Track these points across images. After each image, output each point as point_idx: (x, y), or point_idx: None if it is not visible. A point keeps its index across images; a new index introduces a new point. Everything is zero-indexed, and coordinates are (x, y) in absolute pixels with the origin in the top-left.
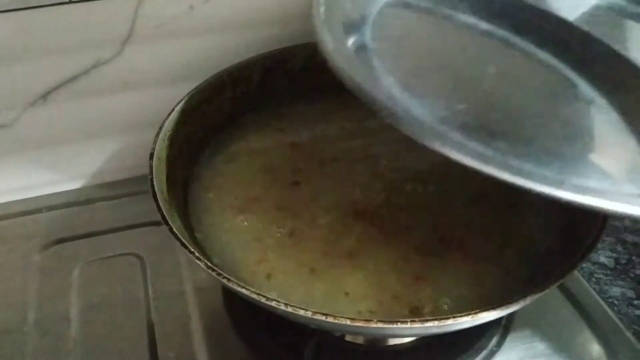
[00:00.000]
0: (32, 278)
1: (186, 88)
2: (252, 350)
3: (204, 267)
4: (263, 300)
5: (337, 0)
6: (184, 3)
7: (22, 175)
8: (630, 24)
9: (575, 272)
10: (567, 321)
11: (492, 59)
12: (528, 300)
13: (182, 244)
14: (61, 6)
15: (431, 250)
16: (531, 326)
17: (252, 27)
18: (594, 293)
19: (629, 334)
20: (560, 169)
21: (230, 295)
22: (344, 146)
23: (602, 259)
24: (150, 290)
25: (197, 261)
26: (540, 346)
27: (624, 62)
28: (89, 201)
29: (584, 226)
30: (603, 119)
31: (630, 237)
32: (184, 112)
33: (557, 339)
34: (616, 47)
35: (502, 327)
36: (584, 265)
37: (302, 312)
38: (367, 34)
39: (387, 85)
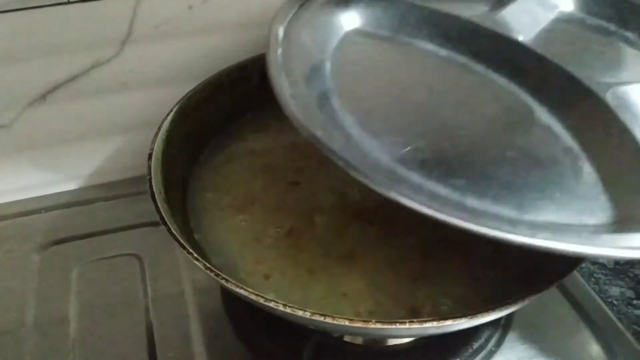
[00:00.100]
0: (31, 278)
1: (185, 88)
2: (251, 351)
3: (203, 268)
4: (261, 300)
5: (296, 38)
6: (182, 3)
7: (21, 176)
8: (589, 36)
9: (575, 273)
10: (566, 321)
11: (452, 86)
12: (527, 301)
13: (181, 244)
14: (60, 6)
15: (430, 251)
16: (530, 326)
17: (251, 27)
18: (593, 293)
19: (628, 334)
20: (517, 204)
21: (229, 296)
22: None
23: (601, 259)
24: (149, 291)
25: (195, 262)
26: (539, 346)
27: (577, 84)
28: (87, 201)
29: None
30: (559, 146)
31: None
32: (183, 112)
33: (556, 339)
34: (573, 65)
35: (501, 327)
36: (583, 265)
37: (300, 313)
38: (327, 71)
39: (346, 125)
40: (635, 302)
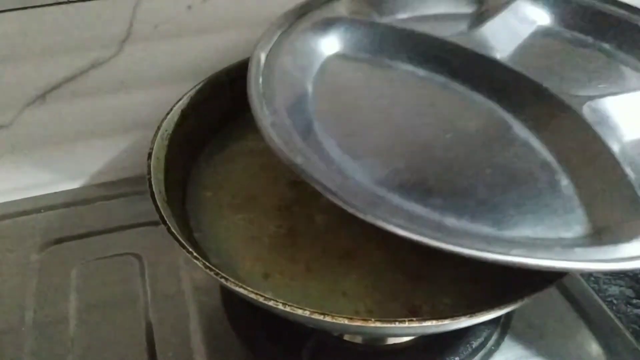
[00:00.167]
0: (31, 278)
1: (185, 88)
2: (251, 350)
3: (202, 267)
4: (261, 299)
5: (278, 64)
6: (182, 3)
7: (20, 175)
8: (567, 49)
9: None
10: (566, 320)
11: (431, 106)
12: (526, 300)
13: (180, 243)
14: (59, 6)
15: (429, 249)
16: (529, 325)
17: (251, 26)
18: (592, 292)
19: (627, 333)
20: (495, 221)
21: (228, 295)
22: None
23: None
24: (148, 290)
25: (195, 261)
26: (538, 345)
27: (553, 99)
28: (87, 201)
29: None
30: (537, 161)
31: None
32: (182, 112)
33: (555, 337)
34: (550, 79)
35: (501, 326)
36: None
37: (299, 312)
38: (309, 96)
39: (327, 149)
40: (634, 301)
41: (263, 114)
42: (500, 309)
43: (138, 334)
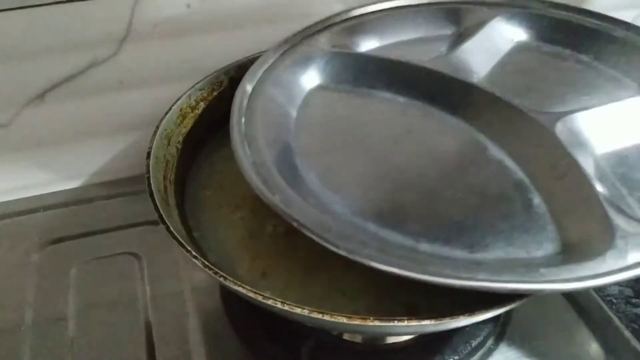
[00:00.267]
0: (30, 277)
1: (183, 87)
2: (250, 349)
3: (201, 266)
4: (260, 298)
5: (261, 100)
6: (181, 2)
7: (19, 175)
8: (545, 64)
9: None
10: (565, 319)
11: (408, 133)
12: (525, 299)
13: (179, 243)
14: (58, 5)
15: None
16: (529, 324)
17: (249, 26)
18: (591, 291)
19: (627, 332)
20: (468, 244)
21: (228, 294)
22: None
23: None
24: (148, 290)
25: (193, 260)
26: (537, 344)
27: (525, 118)
28: (86, 200)
29: None
30: (510, 181)
31: None
32: (181, 111)
33: (554, 337)
34: (525, 97)
35: (500, 325)
36: None
37: (298, 311)
38: (291, 130)
39: (308, 183)
40: (634, 300)
41: (244, 153)
42: (498, 307)
43: (137, 334)
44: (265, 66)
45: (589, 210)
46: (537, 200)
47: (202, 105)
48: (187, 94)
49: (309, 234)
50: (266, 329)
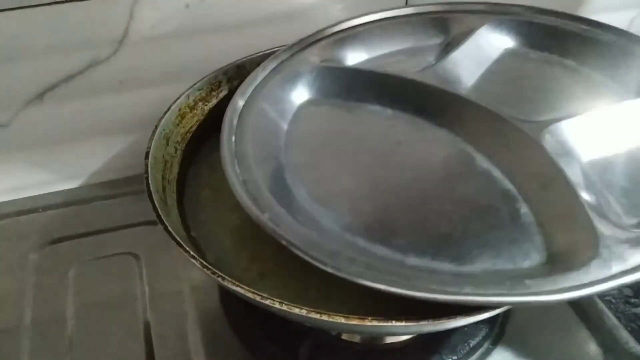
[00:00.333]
0: (29, 277)
1: (182, 87)
2: (248, 349)
3: (199, 266)
4: (258, 298)
5: (252, 116)
6: (179, 2)
7: (18, 175)
8: (532, 71)
9: None
10: (564, 319)
11: (396, 145)
12: None
13: (178, 243)
14: (57, 6)
15: None
16: (527, 324)
17: (248, 26)
18: None
19: (625, 332)
20: (455, 257)
21: (226, 294)
22: None
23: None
24: (146, 290)
25: (192, 260)
26: (536, 344)
27: (511, 128)
28: (85, 200)
29: None
30: (497, 192)
31: None
32: (180, 111)
33: (553, 337)
34: (512, 106)
35: (499, 325)
36: None
37: (297, 311)
38: (281, 146)
39: (298, 199)
40: (633, 300)
41: (234, 172)
42: (496, 307)
43: (136, 333)
44: (256, 82)
45: (575, 219)
46: (524, 210)
47: (200, 105)
48: (185, 94)
49: (297, 252)
50: (264, 328)
